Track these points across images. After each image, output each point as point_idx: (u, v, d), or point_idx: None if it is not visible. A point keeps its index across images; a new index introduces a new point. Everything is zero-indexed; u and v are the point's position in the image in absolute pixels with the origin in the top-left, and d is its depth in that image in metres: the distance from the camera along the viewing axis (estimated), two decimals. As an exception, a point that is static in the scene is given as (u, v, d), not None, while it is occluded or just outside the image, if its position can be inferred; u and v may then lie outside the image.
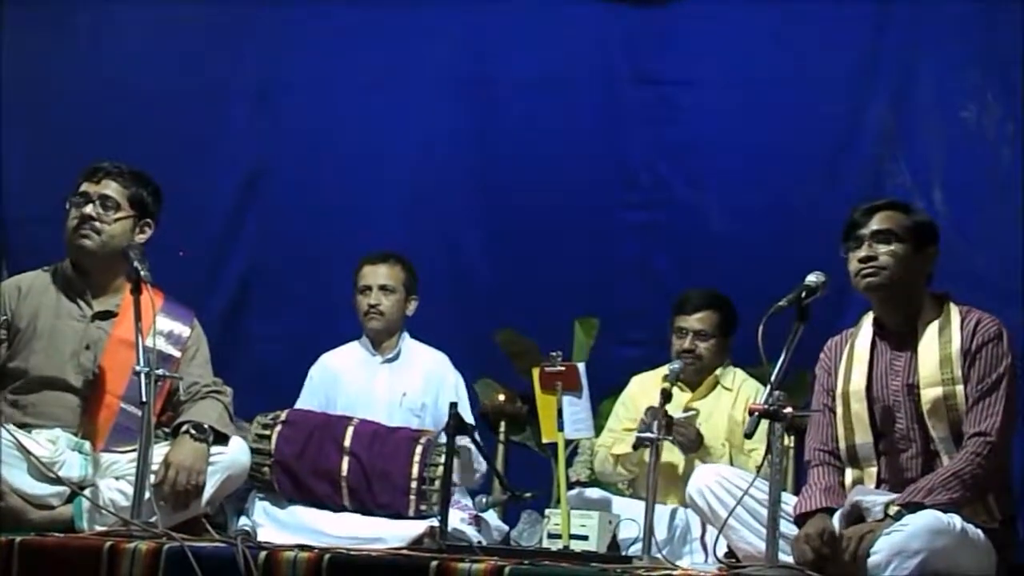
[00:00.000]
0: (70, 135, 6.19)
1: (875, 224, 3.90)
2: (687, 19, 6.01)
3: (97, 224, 4.39)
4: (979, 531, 3.69)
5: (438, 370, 5.30)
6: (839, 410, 3.98)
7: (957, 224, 5.42)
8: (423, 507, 4.69)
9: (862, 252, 3.89)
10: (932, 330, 3.88)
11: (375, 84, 6.24)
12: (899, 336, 3.95)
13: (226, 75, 6.34)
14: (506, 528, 4.96)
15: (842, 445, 3.96)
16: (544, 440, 4.51)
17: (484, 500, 4.83)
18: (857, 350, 3.98)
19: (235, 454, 4.41)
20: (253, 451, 4.63)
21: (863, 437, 3.92)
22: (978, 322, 3.85)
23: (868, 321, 4.01)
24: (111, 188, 4.42)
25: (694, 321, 5.07)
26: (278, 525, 4.71)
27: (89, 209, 4.38)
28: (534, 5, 6.13)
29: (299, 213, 6.24)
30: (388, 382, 5.25)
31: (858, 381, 3.95)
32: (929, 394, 3.83)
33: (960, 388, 3.80)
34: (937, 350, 3.85)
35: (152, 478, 4.08)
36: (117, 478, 4.23)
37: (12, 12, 6.33)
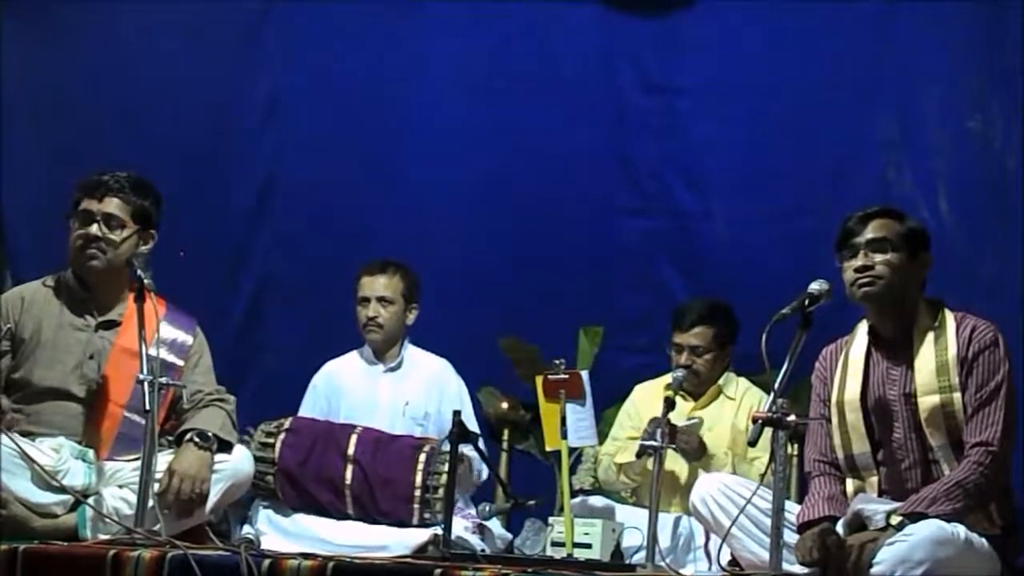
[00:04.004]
0: (77, 143, 6.19)
1: (870, 233, 3.89)
2: (692, 27, 6.01)
3: (103, 244, 4.34)
4: (983, 540, 3.68)
5: (440, 378, 5.29)
6: (835, 420, 3.97)
7: (962, 233, 5.43)
8: (427, 515, 4.70)
9: (858, 261, 3.87)
10: (928, 338, 3.87)
11: (384, 92, 6.25)
12: (894, 344, 3.93)
13: (236, 83, 6.34)
14: (509, 536, 4.95)
15: (840, 455, 3.95)
16: (547, 448, 4.51)
17: (488, 508, 4.82)
18: (852, 359, 3.97)
19: (239, 462, 4.40)
20: (257, 459, 4.63)
21: (860, 447, 3.91)
22: (974, 329, 3.84)
23: (863, 330, 4.00)
24: (114, 205, 4.36)
25: (690, 337, 5.07)
26: (282, 533, 4.72)
27: (94, 229, 4.34)
28: (540, 12, 6.13)
29: (312, 222, 6.25)
30: (390, 391, 5.24)
31: (853, 390, 3.94)
32: (926, 402, 3.82)
33: (957, 396, 3.79)
34: (933, 358, 3.84)
35: (156, 486, 4.08)
36: (121, 486, 4.22)
37: (17, 18, 6.34)
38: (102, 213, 4.36)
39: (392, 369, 5.29)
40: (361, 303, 5.25)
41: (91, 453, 4.29)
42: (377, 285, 5.23)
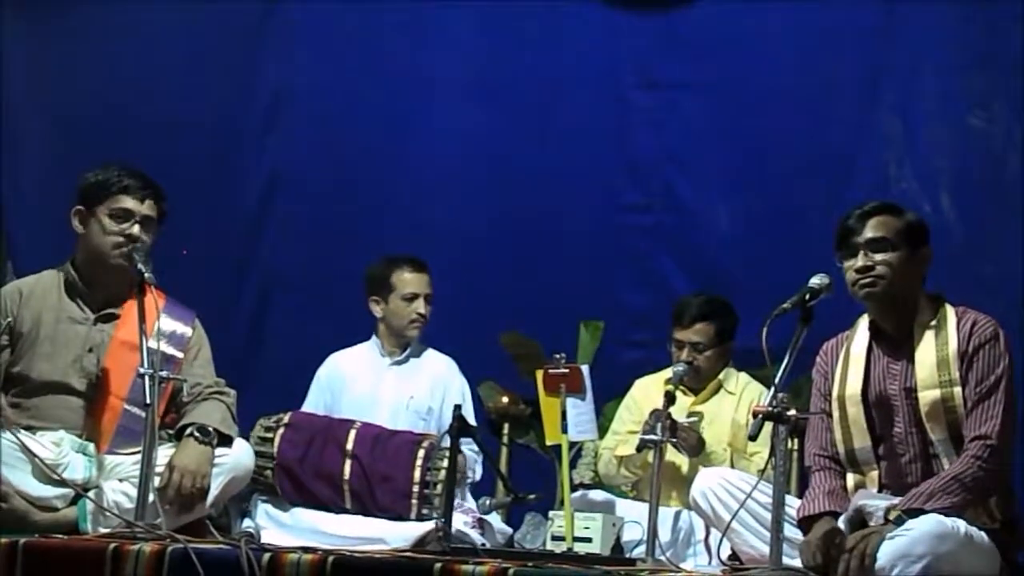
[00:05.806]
0: (79, 140, 6.20)
1: (869, 232, 3.87)
2: (693, 24, 6.01)
3: (138, 246, 4.35)
4: (983, 534, 3.67)
5: (446, 374, 5.32)
6: (836, 414, 3.97)
7: (964, 229, 5.43)
8: (425, 510, 4.69)
9: (858, 262, 3.86)
10: (928, 333, 3.87)
11: (387, 90, 6.26)
12: (895, 339, 3.93)
13: (241, 81, 6.35)
14: (510, 530, 4.96)
15: (841, 449, 3.95)
16: (548, 442, 4.51)
17: (488, 502, 4.84)
18: (853, 354, 3.97)
19: (239, 456, 4.40)
20: (256, 454, 4.62)
21: (861, 441, 3.91)
22: (974, 323, 3.83)
23: (863, 324, 3.99)
24: (151, 208, 4.41)
25: (691, 334, 5.06)
26: (281, 527, 4.71)
27: (136, 230, 4.36)
28: (542, 10, 6.14)
29: (316, 219, 6.26)
30: (395, 384, 5.26)
31: (854, 385, 3.93)
32: (927, 397, 3.82)
33: (958, 390, 3.78)
34: (934, 352, 3.84)
35: (157, 481, 4.08)
36: (121, 480, 4.23)
37: (20, 16, 6.34)
38: (142, 215, 4.39)
39: (398, 363, 5.31)
40: (409, 299, 5.26)
41: (91, 447, 4.29)
42: (424, 282, 5.29)
